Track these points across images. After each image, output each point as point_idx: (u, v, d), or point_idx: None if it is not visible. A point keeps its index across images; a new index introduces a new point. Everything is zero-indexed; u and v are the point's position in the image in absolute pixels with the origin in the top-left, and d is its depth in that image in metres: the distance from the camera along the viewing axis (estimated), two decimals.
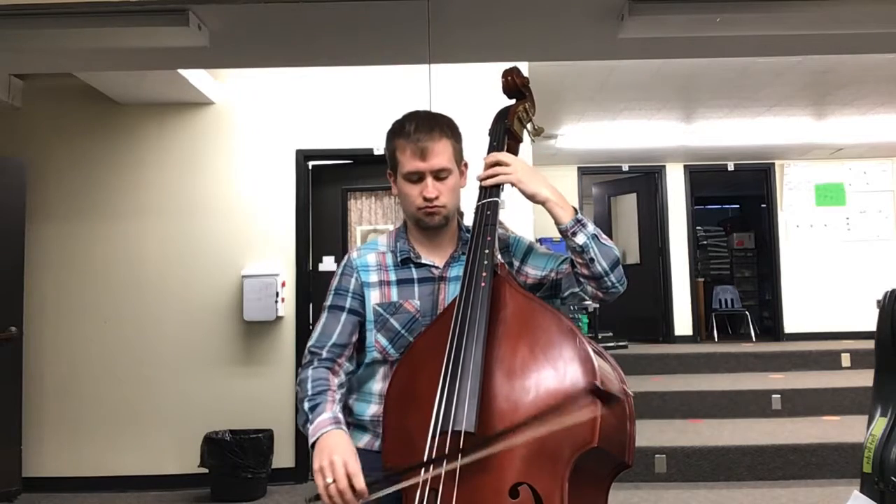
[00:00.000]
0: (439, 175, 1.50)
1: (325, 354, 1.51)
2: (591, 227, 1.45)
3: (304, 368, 1.52)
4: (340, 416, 1.44)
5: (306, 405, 1.45)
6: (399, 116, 1.58)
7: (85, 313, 4.57)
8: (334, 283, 1.59)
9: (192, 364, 4.56)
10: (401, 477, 1.27)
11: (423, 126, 1.51)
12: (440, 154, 1.50)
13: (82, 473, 4.44)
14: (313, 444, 1.38)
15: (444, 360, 1.32)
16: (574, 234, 1.44)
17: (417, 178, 1.50)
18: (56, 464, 4.46)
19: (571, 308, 6.20)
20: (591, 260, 1.44)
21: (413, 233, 1.59)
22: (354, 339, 1.55)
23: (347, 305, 1.55)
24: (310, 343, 1.55)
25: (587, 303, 6.55)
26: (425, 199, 1.50)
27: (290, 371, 4.52)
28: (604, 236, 1.48)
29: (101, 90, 4.44)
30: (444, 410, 1.26)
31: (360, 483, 1.27)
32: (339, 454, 1.31)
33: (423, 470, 1.26)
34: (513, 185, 1.48)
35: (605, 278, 1.46)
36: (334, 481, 1.27)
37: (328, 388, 1.47)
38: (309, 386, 1.47)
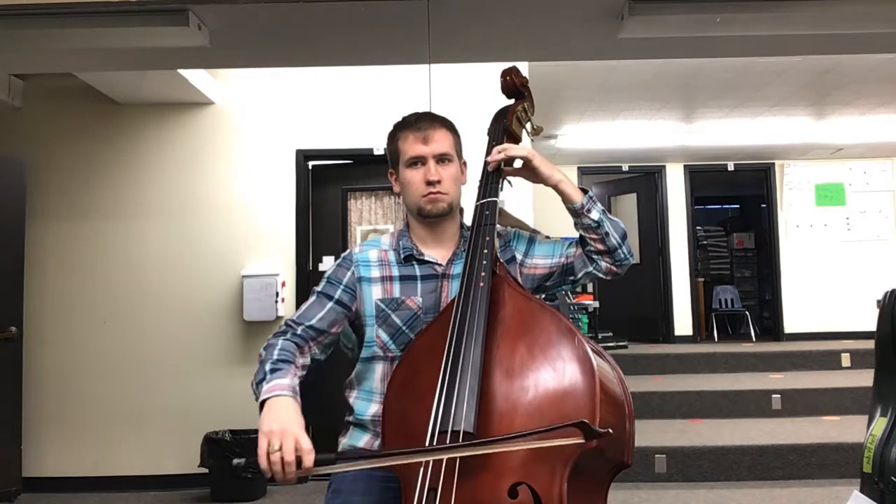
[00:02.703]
0: (441, 160, 1.55)
1: (299, 331, 1.52)
2: (600, 205, 1.54)
3: (275, 336, 1.52)
4: (298, 389, 1.41)
5: (268, 366, 1.44)
6: (398, 118, 1.63)
7: (85, 313, 4.57)
8: (329, 272, 1.61)
9: (192, 364, 4.55)
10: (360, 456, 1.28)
11: (424, 116, 1.59)
12: (441, 140, 1.56)
13: (82, 473, 4.44)
14: (264, 402, 1.35)
15: (443, 359, 1.32)
16: (589, 210, 1.51)
17: (420, 162, 1.55)
18: (56, 464, 4.46)
19: (571, 308, 6.20)
20: (606, 234, 1.52)
21: (415, 230, 1.61)
22: (334, 330, 1.56)
23: (336, 296, 1.56)
24: (290, 316, 1.56)
25: (588, 302, 6.50)
26: (428, 184, 1.53)
27: None
28: (609, 213, 1.56)
29: (101, 90, 4.44)
30: (444, 410, 1.26)
31: (308, 460, 1.24)
32: (292, 427, 1.28)
33: (416, 455, 1.24)
34: (527, 161, 1.52)
35: (619, 250, 1.53)
36: (280, 450, 1.24)
37: (292, 362, 1.47)
38: (275, 352, 1.47)
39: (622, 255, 1.54)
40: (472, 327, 1.32)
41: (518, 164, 1.57)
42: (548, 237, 1.67)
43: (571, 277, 1.58)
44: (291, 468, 1.23)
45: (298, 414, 1.34)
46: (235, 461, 1.29)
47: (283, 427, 1.27)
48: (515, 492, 1.19)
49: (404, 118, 1.61)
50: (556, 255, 1.59)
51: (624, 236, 1.54)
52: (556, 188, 1.52)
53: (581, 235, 1.55)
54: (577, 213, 1.52)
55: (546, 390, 1.25)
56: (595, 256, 1.54)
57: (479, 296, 1.36)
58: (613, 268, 1.54)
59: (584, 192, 1.53)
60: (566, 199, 1.52)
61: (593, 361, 1.24)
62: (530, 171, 1.53)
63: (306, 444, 1.26)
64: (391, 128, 1.63)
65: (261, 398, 1.37)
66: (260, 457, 1.25)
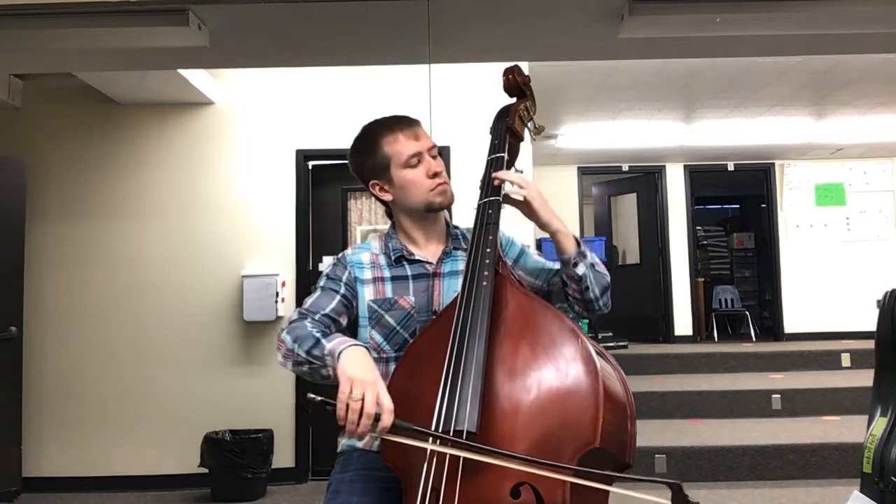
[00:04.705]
0: (432, 154, 1.58)
1: (317, 318, 1.49)
2: (589, 257, 1.53)
3: (296, 321, 1.46)
4: None
5: (316, 332, 1.38)
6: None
7: (85, 313, 4.57)
8: (327, 271, 1.61)
9: (192, 364, 4.55)
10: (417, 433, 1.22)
11: (397, 118, 1.60)
12: (426, 135, 1.59)
13: (82, 473, 4.44)
14: (340, 354, 1.30)
15: (445, 359, 1.31)
16: (576, 264, 1.51)
17: (417, 160, 1.55)
18: (56, 464, 4.46)
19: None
20: (587, 288, 1.53)
21: (408, 231, 1.63)
22: (342, 320, 1.54)
23: (341, 291, 1.56)
24: (301, 306, 1.52)
25: None
26: (434, 176, 1.55)
27: (290, 371, 4.52)
28: (599, 264, 1.56)
29: (101, 90, 4.44)
30: (446, 410, 1.25)
31: (387, 419, 1.21)
32: (378, 380, 1.24)
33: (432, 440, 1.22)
34: (529, 204, 1.48)
35: (595, 303, 1.56)
36: (362, 400, 1.20)
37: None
38: (309, 327, 1.41)
39: (596, 308, 1.56)
40: (475, 326, 1.32)
41: (519, 197, 1.51)
42: (539, 254, 1.70)
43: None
44: (368, 421, 1.20)
45: (377, 370, 1.29)
46: (311, 395, 1.18)
47: (368, 377, 1.24)
48: (518, 492, 1.19)
49: (378, 125, 1.59)
50: (539, 278, 1.63)
51: (605, 290, 1.56)
52: (552, 236, 1.52)
53: (563, 279, 1.56)
54: (564, 263, 1.53)
55: (549, 390, 1.25)
56: (571, 300, 1.57)
57: (482, 294, 1.35)
58: (585, 313, 1.58)
59: (578, 244, 1.52)
60: (558, 249, 1.52)
61: (596, 362, 1.24)
62: (529, 210, 1.50)
63: (388, 401, 1.22)
64: (357, 144, 1.61)
65: (338, 349, 1.31)
66: (339, 400, 1.21)
